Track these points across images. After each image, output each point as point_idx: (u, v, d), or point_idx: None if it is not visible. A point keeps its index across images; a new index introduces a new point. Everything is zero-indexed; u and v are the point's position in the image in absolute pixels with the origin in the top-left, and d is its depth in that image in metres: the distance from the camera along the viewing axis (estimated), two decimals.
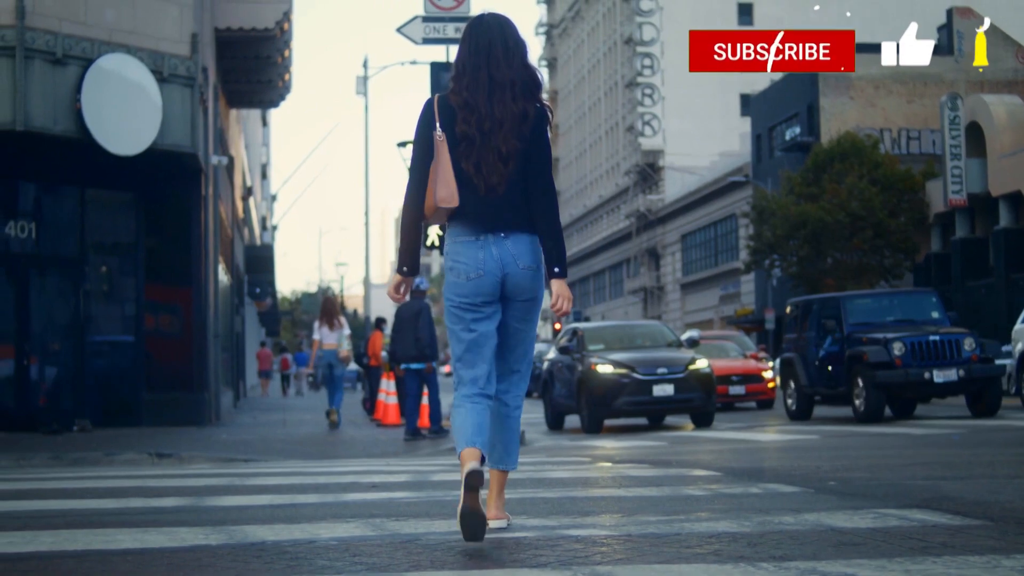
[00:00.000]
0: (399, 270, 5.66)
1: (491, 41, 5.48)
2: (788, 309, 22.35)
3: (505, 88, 5.44)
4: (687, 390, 19.43)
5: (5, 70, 17.94)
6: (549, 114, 5.57)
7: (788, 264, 50.14)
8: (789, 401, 21.31)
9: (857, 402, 18.87)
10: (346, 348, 21.90)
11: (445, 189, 5.39)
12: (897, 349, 18.47)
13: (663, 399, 19.47)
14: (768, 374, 27.45)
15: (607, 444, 15.60)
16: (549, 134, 5.59)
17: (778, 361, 24.82)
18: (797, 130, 59.21)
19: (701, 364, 19.86)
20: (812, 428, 17.76)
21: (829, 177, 48.25)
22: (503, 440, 5.64)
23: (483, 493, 5.47)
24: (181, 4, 20.47)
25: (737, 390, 26.51)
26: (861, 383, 18.69)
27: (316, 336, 22.23)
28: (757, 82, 74.60)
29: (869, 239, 47.50)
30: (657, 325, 24.07)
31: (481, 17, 5.59)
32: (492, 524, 5.50)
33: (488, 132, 5.40)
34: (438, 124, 5.45)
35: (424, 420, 18.85)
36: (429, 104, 5.53)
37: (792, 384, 21.11)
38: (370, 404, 25.97)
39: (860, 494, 6.97)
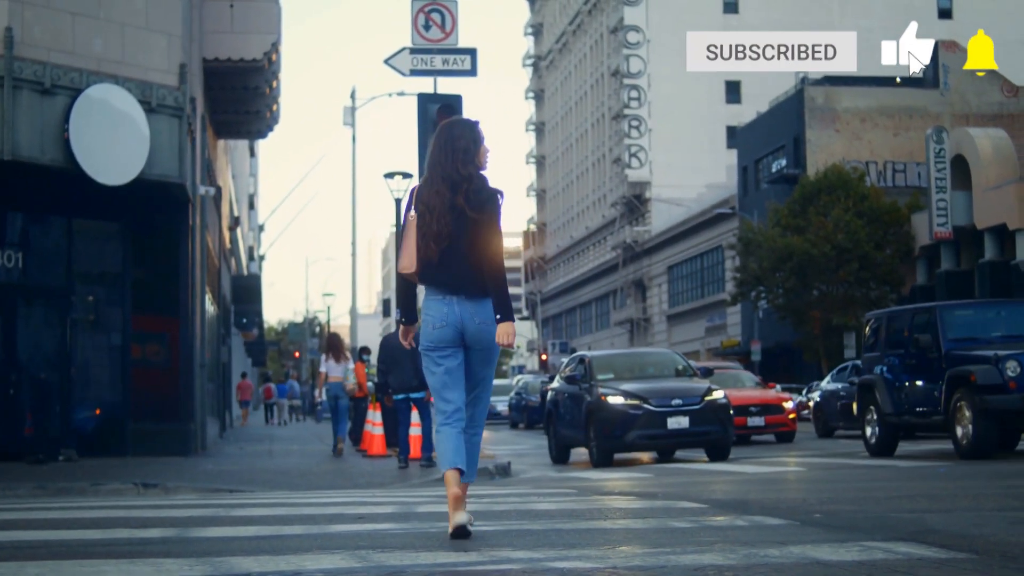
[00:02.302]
0: (400, 321, 7.11)
1: (438, 144, 6.82)
2: (868, 324, 19.11)
3: (442, 182, 6.73)
4: (703, 422, 18.39)
5: None
6: (499, 198, 6.77)
7: (774, 296, 50.26)
8: (869, 432, 18.16)
9: (960, 433, 15.75)
10: (351, 381, 23.51)
11: (407, 259, 6.78)
12: (1012, 369, 15.19)
13: (678, 432, 18.44)
14: (789, 404, 26.07)
15: (594, 476, 15.58)
16: (499, 214, 6.77)
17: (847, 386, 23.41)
18: (783, 162, 59.42)
19: (718, 395, 18.84)
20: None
21: (815, 209, 48.44)
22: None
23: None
24: (169, 34, 20.49)
25: (756, 422, 25.19)
26: (967, 410, 15.58)
27: (323, 369, 23.69)
28: (744, 114, 74.89)
29: (855, 271, 47.66)
30: (668, 353, 23.01)
31: (444, 123, 6.95)
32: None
33: (430, 214, 6.71)
34: (412, 207, 6.81)
35: (415, 451, 18.70)
36: (411, 190, 6.96)
37: (873, 412, 17.97)
38: (355, 435, 25.90)
39: (846, 527, 6.97)
